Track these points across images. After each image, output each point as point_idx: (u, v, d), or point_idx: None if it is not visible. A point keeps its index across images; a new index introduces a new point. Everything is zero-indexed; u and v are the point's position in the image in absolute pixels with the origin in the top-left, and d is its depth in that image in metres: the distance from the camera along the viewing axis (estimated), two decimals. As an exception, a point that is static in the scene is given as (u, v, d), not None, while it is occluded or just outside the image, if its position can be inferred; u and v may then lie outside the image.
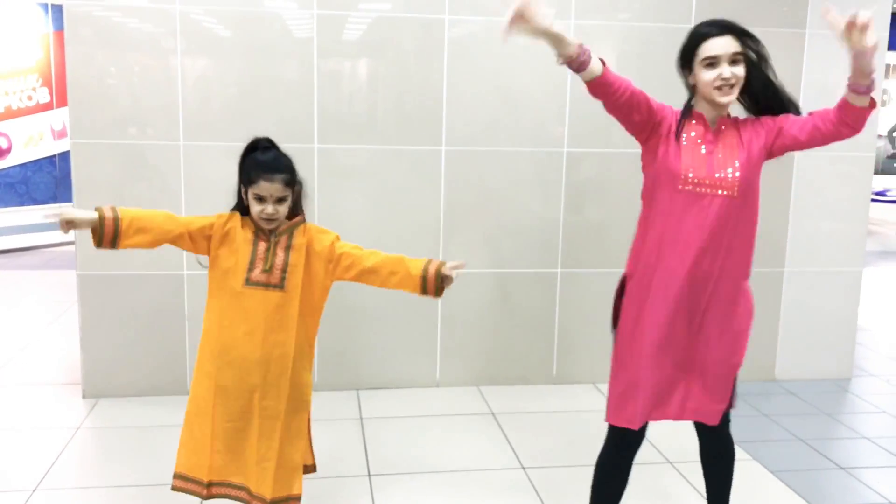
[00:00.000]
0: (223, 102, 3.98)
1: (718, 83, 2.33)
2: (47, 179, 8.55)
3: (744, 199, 2.36)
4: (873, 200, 10.96)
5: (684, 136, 2.40)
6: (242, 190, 2.49)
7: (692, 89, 2.44)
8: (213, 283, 2.54)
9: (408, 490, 3.19)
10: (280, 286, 2.46)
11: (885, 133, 15.41)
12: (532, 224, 4.31)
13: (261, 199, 2.41)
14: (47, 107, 8.41)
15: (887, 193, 11.37)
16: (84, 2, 3.79)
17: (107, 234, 2.45)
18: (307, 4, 3.94)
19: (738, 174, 2.35)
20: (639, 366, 2.43)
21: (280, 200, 2.43)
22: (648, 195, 2.47)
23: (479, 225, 4.28)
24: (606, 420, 2.52)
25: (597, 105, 4.51)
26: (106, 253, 3.92)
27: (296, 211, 2.53)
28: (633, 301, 2.47)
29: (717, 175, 2.34)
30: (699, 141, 2.39)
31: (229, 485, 2.55)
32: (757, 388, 4.44)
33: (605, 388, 4.35)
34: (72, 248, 5.83)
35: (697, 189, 2.35)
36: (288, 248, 2.47)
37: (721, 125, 2.42)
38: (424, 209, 4.20)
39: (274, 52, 3.97)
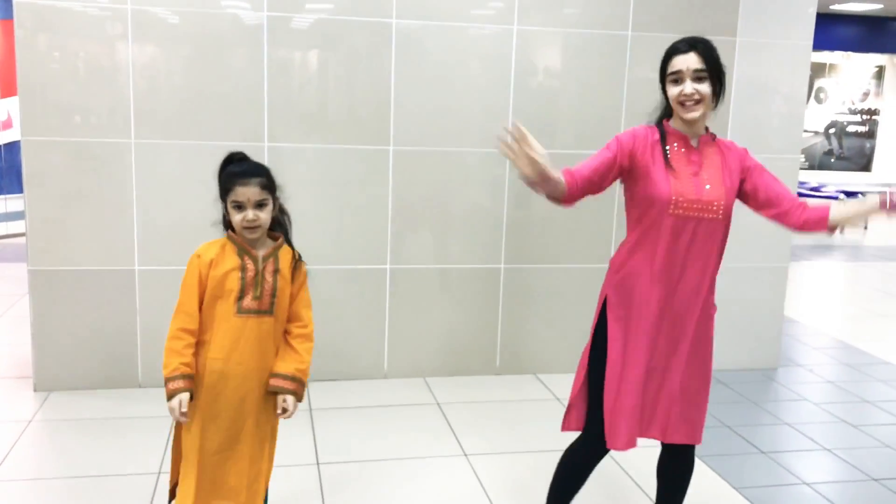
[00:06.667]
0: (174, 100, 4.04)
1: (681, 98, 2.39)
2: (-8, 170, 8.44)
3: (726, 221, 2.45)
4: (809, 196, 11.36)
5: (671, 159, 2.44)
6: (224, 205, 2.44)
7: (669, 106, 2.49)
8: (205, 314, 2.42)
9: (355, 478, 3.33)
10: (270, 311, 2.43)
11: (822, 130, 15.94)
12: (477, 221, 4.46)
13: (239, 206, 2.38)
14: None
15: (822, 189, 11.71)
16: (35, -1, 3.83)
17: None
18: (258, 6, 4.03)
19: (722, 200, 2.41)
20: (629, 391, 2.47)
21: (259, 206, 2.39)
22: (635, 219, 2.50)
23: (426, 222, 4.42)
24: (609, 448, 2.51)
25: (541, 104, 4.69)
26: (57, 248, 4.00)
27: (276, 229, 2.51)
28: (618, 324, 2.50)
29: (704, 199, 2.40)
30: (686, 164, 2.42)
31: None
32: (689, 377, 4.65)
33: (545, 378, 4.56)
34: (21, 240, 5.80)
35: (687, 213, 2.39)
36: (275, 272, 2.44)
37: (703, 145, 2.48)
38: (373, 208, 4.33)
39: (223, 53, 4.05)
